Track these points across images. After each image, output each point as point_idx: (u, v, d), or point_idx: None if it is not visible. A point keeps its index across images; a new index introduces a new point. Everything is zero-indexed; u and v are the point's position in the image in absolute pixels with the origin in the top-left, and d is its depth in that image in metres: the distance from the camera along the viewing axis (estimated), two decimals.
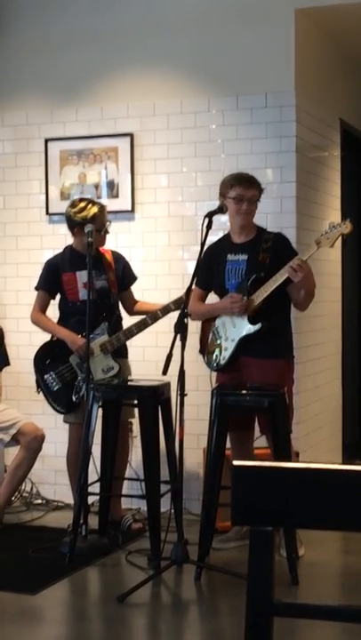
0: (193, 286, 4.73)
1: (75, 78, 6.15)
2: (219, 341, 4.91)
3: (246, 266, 4.82)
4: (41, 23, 6.23)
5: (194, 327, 5.01)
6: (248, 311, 4.75)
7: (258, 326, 4.74)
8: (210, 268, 4.95)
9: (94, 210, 5.20)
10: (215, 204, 4.88)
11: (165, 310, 5.17)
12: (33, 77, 6.26)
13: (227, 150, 5.78)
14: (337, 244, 4.76)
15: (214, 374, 4.99)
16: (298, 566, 4.49)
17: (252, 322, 4.75)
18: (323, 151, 6.32)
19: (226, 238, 5.01)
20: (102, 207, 5.26)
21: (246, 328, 4.77)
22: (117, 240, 5.86)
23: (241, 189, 4.83)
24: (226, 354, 4.86)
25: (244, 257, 4.85)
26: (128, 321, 5.35)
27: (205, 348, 5.01)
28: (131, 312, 5.45)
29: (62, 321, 5.33)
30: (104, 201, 5.92)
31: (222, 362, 4.89)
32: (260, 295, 4.70)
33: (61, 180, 6.15)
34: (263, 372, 4.77)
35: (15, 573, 4.64)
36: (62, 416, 5.43)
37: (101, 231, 5.20)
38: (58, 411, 5.35)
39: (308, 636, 3.86)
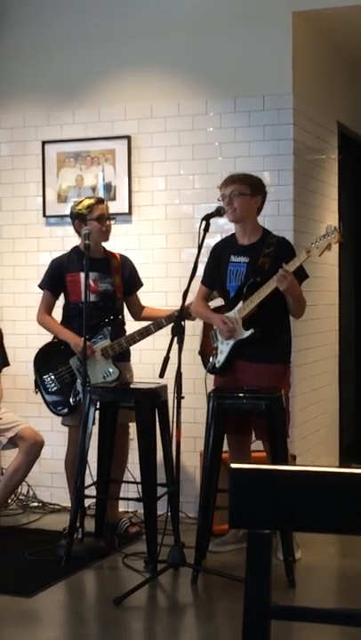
0: (199, 283, 4.83)
1: (72, 80, 6.15)
2: (215, 344, 4.91)
3: (246, 269, 4.81)
4: (38, 25, 6.23)
5: (191, 330, 5.01)
6: (236, 335, 4.75)
7: (250, 332, 4.73)
8: (216, 267, 4.94)
9: (89, 201, 5.28)
10: (213, 206, 4.86)
11: (169, 319, 5.12)
12: (30, 79, 6.26)
13: (224, 153, 5.78)
14: (327, 251, 4.73)
15: (209, 378, 4.99)
16: (295, 569, 4.49)
17: (245, 327, 4.75)
18: (320, 154, 6.31)
19: (232, 238, 4.98)
20: (99, 199, 5.34)
21: (239, 333, 4.77)
22: (115, 242, 5.84)
23: (222, 188, 4.86)
24: (221, 357, 4.87)
25: (245, 260, 4.83)
26: (132, 325, 5.34)
27: (204, 350, 5.01)
28: (137, 317, 5.45)
29: (65, 322, 5.31)
30: None
31: (217, 365, 4.89)
32: (254, 301, 4.69)
33: (58, 183, 6.14)
34: (258, 376, 4.76)
35: (11, 576, 4.63)
36: (59, 419, 5.42)
37: (99, 221, 5.19)
38: (53, 412, 5.34)
39: (304, 639, 3.86)
